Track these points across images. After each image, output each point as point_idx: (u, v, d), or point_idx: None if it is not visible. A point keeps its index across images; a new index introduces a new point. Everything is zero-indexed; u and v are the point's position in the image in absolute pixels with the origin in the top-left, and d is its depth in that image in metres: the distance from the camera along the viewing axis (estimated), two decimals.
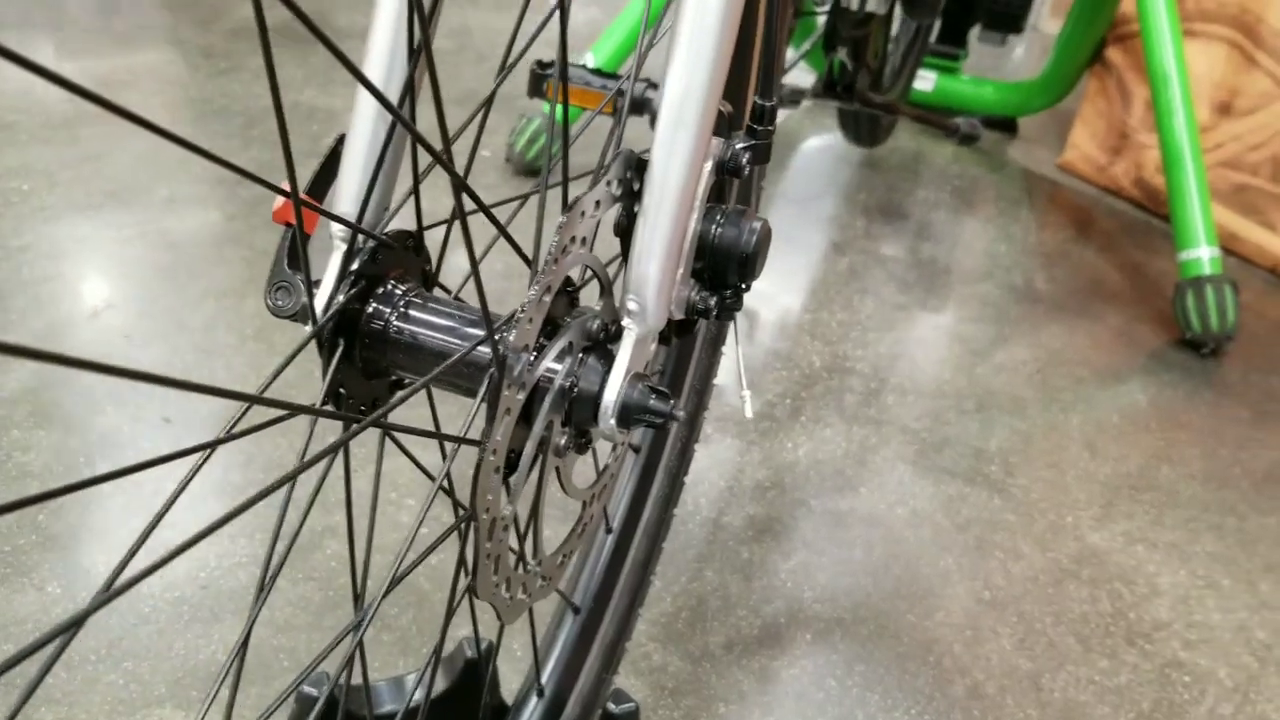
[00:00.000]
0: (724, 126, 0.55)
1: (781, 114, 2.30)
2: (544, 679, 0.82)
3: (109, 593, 0.30)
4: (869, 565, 1.16)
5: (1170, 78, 1.66)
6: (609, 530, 0.89)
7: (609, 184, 0.51)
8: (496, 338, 0.47)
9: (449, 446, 0.50)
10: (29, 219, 1.58)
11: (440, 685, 0.71)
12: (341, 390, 0.55)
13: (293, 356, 0.49)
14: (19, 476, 1.13)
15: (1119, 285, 1.80)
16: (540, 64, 1.12)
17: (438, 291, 0.59)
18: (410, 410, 0.66)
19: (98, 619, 0.97)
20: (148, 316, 1.40)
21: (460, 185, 0.46)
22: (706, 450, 1.29)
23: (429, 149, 0.44)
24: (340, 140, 0.58)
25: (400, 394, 0.48)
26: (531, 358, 0.47)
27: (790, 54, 1.62)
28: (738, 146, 0.56)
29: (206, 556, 1.07)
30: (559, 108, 0.53)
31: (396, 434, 0.54)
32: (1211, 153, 1.86)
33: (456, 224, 0.59)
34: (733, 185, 0.60)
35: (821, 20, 1.60)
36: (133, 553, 0.38)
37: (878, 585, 1.14)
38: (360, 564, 0.55)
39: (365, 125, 0.56)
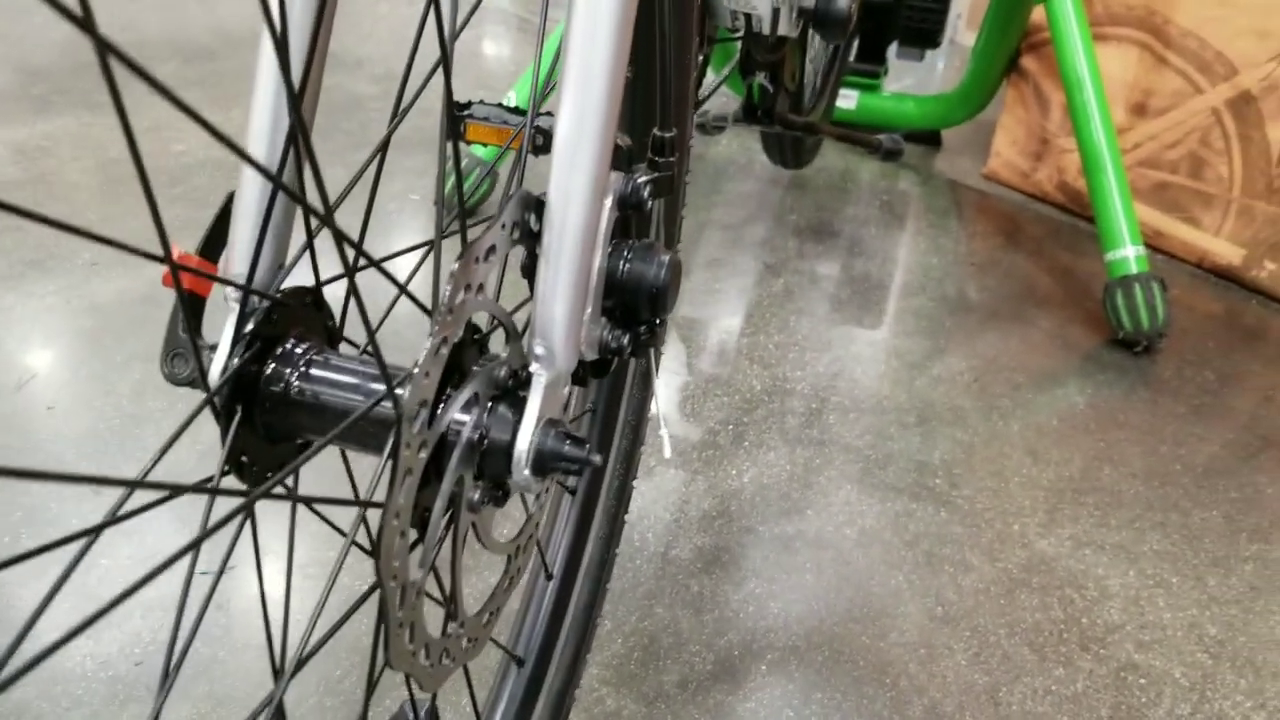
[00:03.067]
0: (624, 160, 0.54)
1: (706, 141, 2.30)
2: None
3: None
4: (820, 589, 1.15)
5: (1084, 82, 1.68)
6: (549, 576, 0.87)
7: (504, 227, 0.49)
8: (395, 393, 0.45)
9: (358, 511, 0.48)
10: None
11: None
12: (244, 458, 0.53)
13: (183, 428, 0.47)
14: None
15: (1050, 289, 1.81)
16: (458, 105, 1.11)
17: (344, 348, 0.58)
18: (324, 475, 0.64)
19: (26, 703, 0.94)
20: (73, 385, 1.37)
21: (345, 240, 0.45)
22: (650, 483, 1.27)
23: (308, 208, 0.43)
24: (229, 199, 0.56)
25: (299, 459, 0.46)
26: (429, 413, 0.46)
27: (710, 80, 1.62)
28: (639, 180, 0.55)
29: (140, 631, 1.03)
30: (451, 149, 0.51)
31: (302, 500, 0.52)
32: (1130, 153, 1.89)
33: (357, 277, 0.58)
34: (647, 217, 0.60)
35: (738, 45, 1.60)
36: (20, 637, 0.36)
37: (830, 609, 1.13)
38: (278, 636, 0.53)
39: (253, 184, 0.55)
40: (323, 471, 0.65)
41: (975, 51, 2.11)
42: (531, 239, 0.52)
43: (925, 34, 2.10)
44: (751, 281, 1.78)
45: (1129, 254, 1.61)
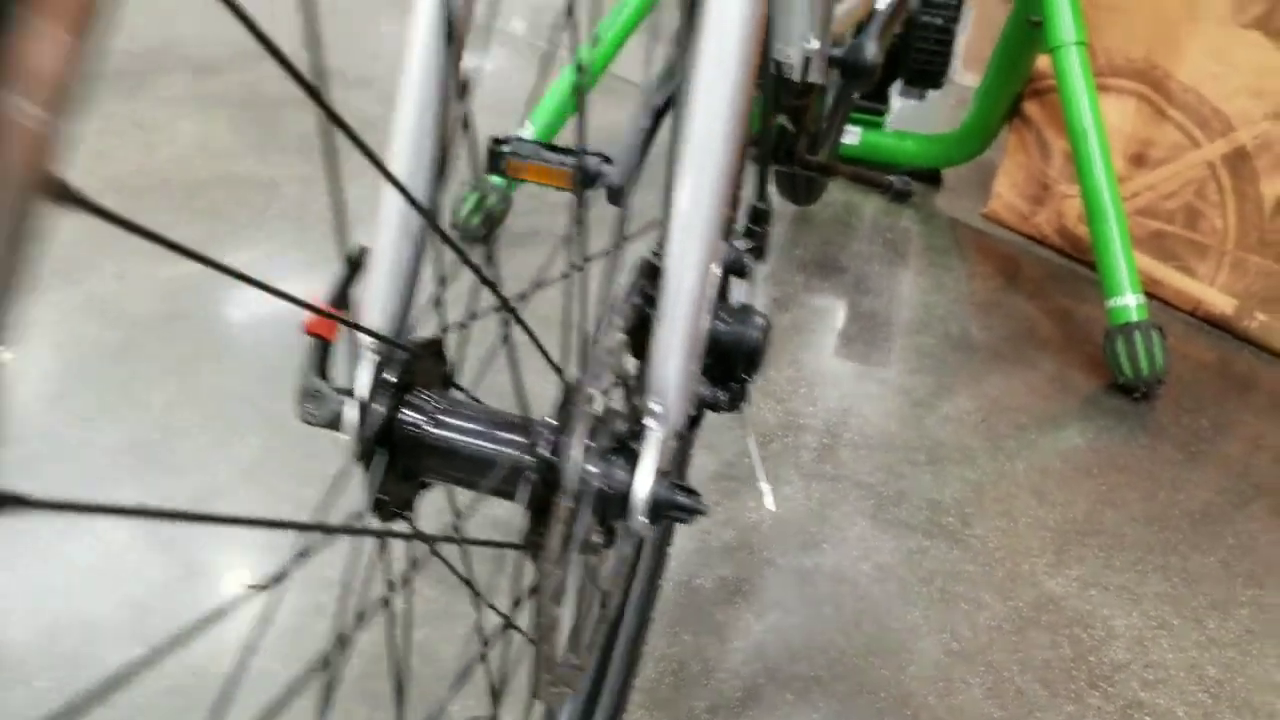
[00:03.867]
0: (731, 233, 0.58)
1: None
2: None
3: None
4: (840, 622, 1.19)
5: (1088, 133, 1.74)
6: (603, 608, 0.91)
7: (626, 295, 0.53)
8: (551, 447, 0.49)
9: (497, 557, 0.52)
10: None
11: None
12: (382, 496, 0.56)
13: (342, 474, 0.50)
14: None
15: (1050, 331, 1.87)
16: (496, 140, 1.14)
17: (457, 393, 0.61)
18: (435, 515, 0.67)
19: None
20: (106, 397, 1.39)
21: (506, 308, 0.48)
22: None
23: (463, 256, 0.46)
24: (363, 250, 0.60)
25: (464, 505, 0.50)
26: (568, 463, 0.49)
27: None
28: (740, 248, 0.59)
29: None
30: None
31: (470, 542, 0.55)
32: (1128, 200, 1.95)
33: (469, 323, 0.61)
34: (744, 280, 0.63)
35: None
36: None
37: (850, 642, 1.17)
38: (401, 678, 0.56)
39: (391, 230, 0.58)
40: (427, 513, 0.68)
41: (978, 94, 2.17)
42: (646, 303, 0.56)
43: (930, 75, 2.16)
44: None
45: (1130, 302, 1.67)
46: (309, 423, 0.59)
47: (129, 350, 1.49)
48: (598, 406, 0.52)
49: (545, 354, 0.56)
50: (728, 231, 0.58)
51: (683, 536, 1.28)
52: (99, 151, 2.05)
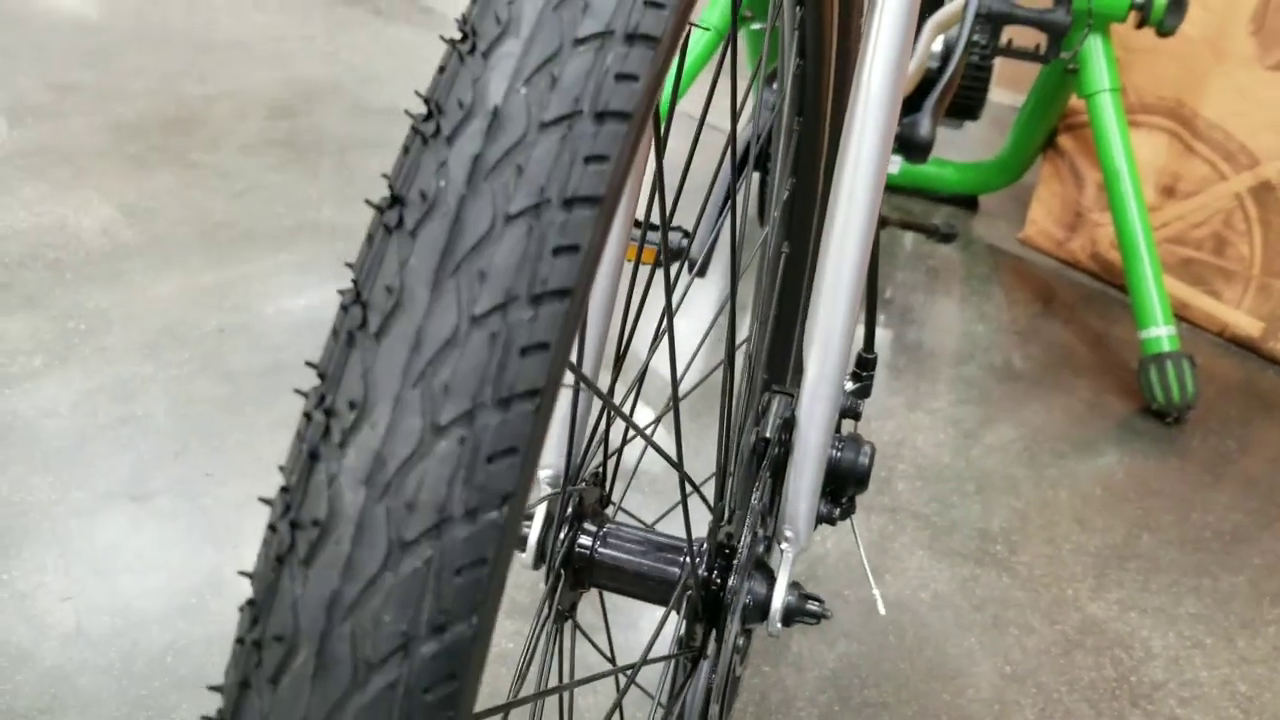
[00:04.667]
0: (858, 373, 0.72)
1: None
2: None
3: None
4: (903, 649, 1.33)
5: (1121, 172, 1.86)
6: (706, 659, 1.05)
7: (769, 443, 0.67)
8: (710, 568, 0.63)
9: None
10: (92, 359, 1.70)
11: None
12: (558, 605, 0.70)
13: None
14: None
15: (1086, 358, 1.99)
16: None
17: (619, 515, 0.75)
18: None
19: None
20: (222, 453, 1.53)
21: (679, 467, 0.62)
22: None
23: (623, 416, 0.60)
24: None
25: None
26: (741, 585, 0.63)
27: None
28: (852, 393, 0.72)
29: None
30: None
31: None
32: (1159, 230, 2.06)
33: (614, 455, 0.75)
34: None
35: None
36: None
37: (914, 668, 1.30)
38: None
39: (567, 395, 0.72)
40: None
41: (1016, 125, 2.29)
42: (780, 444, 0.70)
43: (967, 108, 2.27)
44: None
45: (1162, 333, 1.79)
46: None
47: (239, 405, 1.63)
48: (745, 537, 0.65)
49: (701, 496, 0.69)
50: (858, 372, 0.71)
51: None
52: (188, 201, 2.20)
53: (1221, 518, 1.61)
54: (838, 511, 0.73)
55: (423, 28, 3.46)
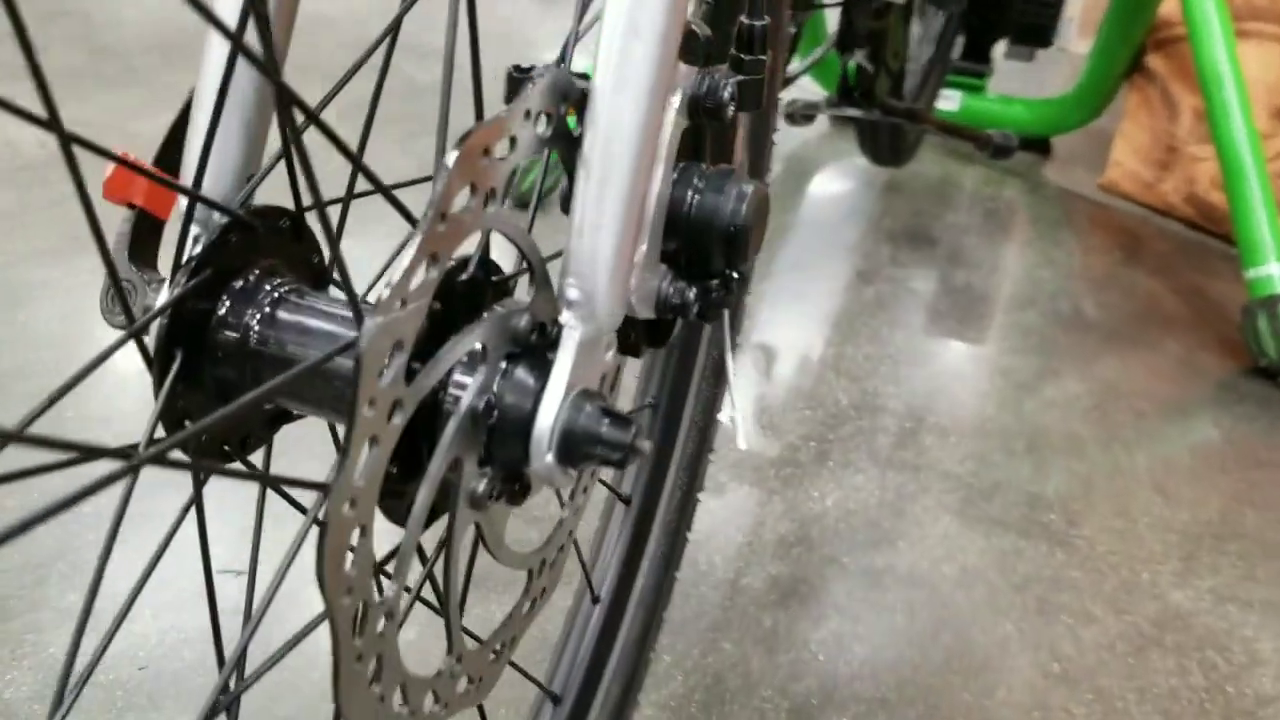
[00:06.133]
0: (699, 53, 0.40)
1: (794, 133, 2.15)
2: None
3: None
4: (913, 633, 0.99)
5: (1224, 79, 1.51)
6: (595, 600, 0.73)
7: (528, 115, 0.35)
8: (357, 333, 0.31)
9: (318, 496, 0.35)
10: None
11: None
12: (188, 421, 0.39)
13: (90, 368, 0.33)
14: None
15: (1177, 310, 1.63)
16: (518, 68, 0.98)
17: (335, 291, 0.44)
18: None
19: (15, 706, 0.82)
20: None
21: (341, 146, 0.31)
22: (721, 500, 1.12)
23: (300, 103, 0.29)
24: (191, 95, 0.43)
25: (220, 412, 0.32)
26: (406, 361, 0.31)
27: (795, 64, 1.47)
28: (718, 79, 0.40)
29: (147, 633, 0.91)
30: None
31: (262, 478, 0.38)
32: (1272, 161, 1.69)
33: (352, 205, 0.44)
34: (728, 135, 0.45)
35: (831, 22, 1.46)
36: None
37: (926, 657, 0.97)
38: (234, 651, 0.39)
39: (213, 73, 0.42)
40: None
41: (1094, 50, 1.94)
42: (570, 143, 0.38)
43: (1038, 30, 1.93)
44: (840, 287, 1.62)
45: (1274, 271, 1.43)
46: (113, 325, 0.42)
47: None
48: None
49: (403, 211, 0.38)
50: (694, 48, 0.39)
51: (730, 527, 1.09)
52: None
53: None
54: (696, 294, 0.41)
55: None
